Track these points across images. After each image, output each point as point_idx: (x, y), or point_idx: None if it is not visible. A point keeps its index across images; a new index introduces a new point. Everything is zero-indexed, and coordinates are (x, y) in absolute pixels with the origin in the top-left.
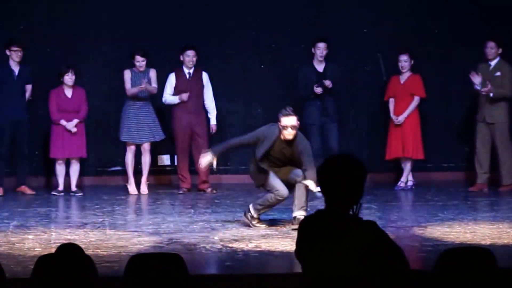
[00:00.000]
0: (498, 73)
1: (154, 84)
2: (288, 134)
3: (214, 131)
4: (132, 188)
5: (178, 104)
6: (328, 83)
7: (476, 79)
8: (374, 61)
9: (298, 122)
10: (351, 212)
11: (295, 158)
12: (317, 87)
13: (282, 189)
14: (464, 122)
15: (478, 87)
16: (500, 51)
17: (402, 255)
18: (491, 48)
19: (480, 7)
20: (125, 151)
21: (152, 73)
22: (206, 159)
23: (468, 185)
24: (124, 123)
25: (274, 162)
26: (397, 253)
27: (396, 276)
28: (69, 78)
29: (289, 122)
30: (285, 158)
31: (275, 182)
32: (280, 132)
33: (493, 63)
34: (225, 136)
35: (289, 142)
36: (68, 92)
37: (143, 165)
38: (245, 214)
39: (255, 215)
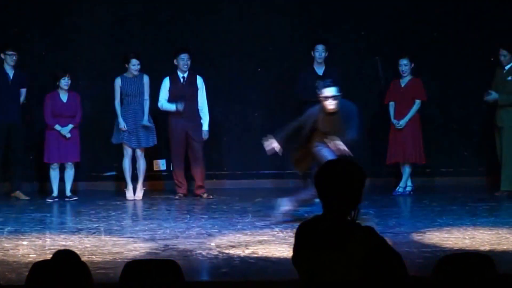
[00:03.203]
0: (510, 78)
1: (147, 95)
2: (330, 104)
3: (205, 137)
4: (129, 193)
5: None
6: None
7: (490, 97)
8: (372, 65)
9: (339, 93)
10: (349, 218)
11: (342, 124)
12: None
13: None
14: (464, 127)
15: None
16: None
17: (401, 261)
18: (504, 56)
19: (480, 9)
20: (120, 156)
21: (146, 80)
22: (270, 146)
23: (467, 190)
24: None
25: (323, 134)
26: (396, 259)
27: (395, 282)
28: (65, 83)
29: (329, 92)
30: (333, 126)
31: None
32: (322, 106)
33: (507, 67)
34: (221, 141)
35: (332, 113)
36: (64, 97)
37: (138, 170)
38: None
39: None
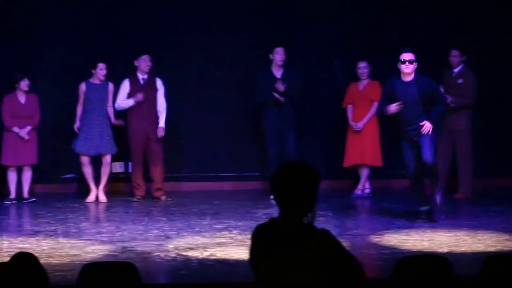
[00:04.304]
0: (461, 80)
1: (111, 102)
2: (406, 67)
3: (161, 135)
4: (91, 196)
5: (132, 111)
6: (281, 88)
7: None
8: (331, 68)
9: (416, 63)
10: (305, 220)
11: (424, 97)
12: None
13: (410, 166)
14: None
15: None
16: (464, 58)
17: (357, 263)
18: (456, 57)
19: (440, 13)
20: (79, 159)
21: (111, 88)
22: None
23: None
24: (80, 134)
25: (408, 115)
26: (351, 261)
27: (352, 285)
28: (25, 84)
29: (406, 56)
30: (414, 100)
31: (407, 156)
32: (399, 74)
33: (456, 70)
34: (180, 143)
35: (411, 82)
36: (22, 98)
37: (102, 175)
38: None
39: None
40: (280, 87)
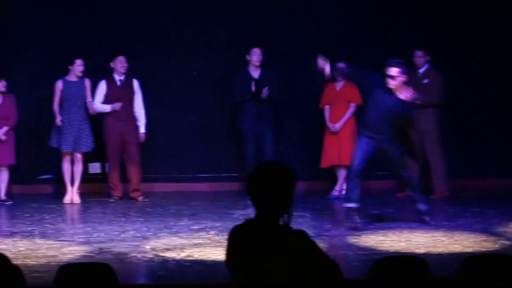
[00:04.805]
0: (426, 80)
1: (89, 97)
2: (388, 83)
3: (142, 140)
4: (67, 197)
5: (109, 111)
6: (264, 93)
7: None
8: (309, 68)
9: (403, 77)
10: (281, 221)
11: (399, 116)
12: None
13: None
14: (400, 130)
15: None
16: (428, 58)
17: (333, 264)
18: (420, 57)
19: (413, 14)
20: (57, 159)
21: (87, 84)
22: (325, 66)
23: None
24: (59, 131)
25: (375, 121)
26: (328, 262)
27: (329, 286)
28: (2, 85)
29: (388, 71)
30: (389, 112)
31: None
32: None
33: (421, 70)
34: (157, 144)
35: (395, 97)
36: None
37: (75, 174)
38: None
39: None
40: (264, 92)
